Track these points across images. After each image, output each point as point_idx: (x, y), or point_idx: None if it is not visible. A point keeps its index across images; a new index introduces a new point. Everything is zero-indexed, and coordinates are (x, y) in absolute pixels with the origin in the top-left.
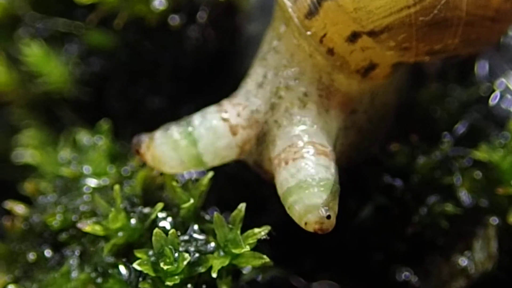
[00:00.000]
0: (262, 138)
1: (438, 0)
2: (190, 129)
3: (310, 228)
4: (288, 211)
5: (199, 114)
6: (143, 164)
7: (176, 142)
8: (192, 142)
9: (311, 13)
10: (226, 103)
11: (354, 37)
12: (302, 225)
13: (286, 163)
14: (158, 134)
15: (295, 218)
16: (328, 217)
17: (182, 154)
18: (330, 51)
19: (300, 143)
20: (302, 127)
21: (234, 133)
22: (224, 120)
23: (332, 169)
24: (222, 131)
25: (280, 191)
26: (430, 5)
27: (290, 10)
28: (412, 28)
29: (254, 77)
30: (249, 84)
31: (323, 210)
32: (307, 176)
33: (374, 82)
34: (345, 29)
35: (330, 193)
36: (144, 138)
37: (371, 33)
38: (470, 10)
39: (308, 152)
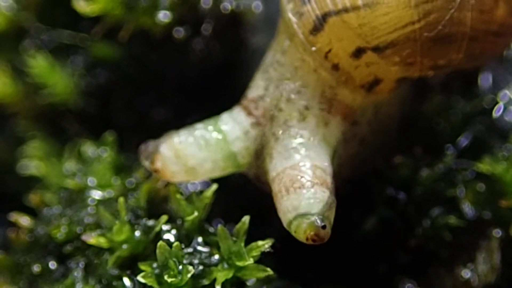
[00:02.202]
0: (260, 151)
1: (442, 15)
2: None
3: (302, 236)
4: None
5: (189, 134)
6: (148, 176)
7: (204, 144)
8: (224, 142)
9: (316, 29)
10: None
11: (359, 52)
12: (292, 231)
13: (287, 191)
14: (183, 136)
15: (286, 225)
16: (324, 227)
17: (214, 154)
18: (335, 67)
19: (300, 167)
20: (300, 140)
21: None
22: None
23: (328, 192)
24: (248, 127)
25: (282, 219)
26: (434, 20)
27: (295, 25)
28: (417, 43)
29: (255, 90)
30: (249, 97)
31: (318, 220)
32: (307, 209)
33: (379, 97)
34: (350, 44)
35: (326, 203)
36: (153, 146)
37: (376, 49)
38: (474, 25)
39: (308, 181)
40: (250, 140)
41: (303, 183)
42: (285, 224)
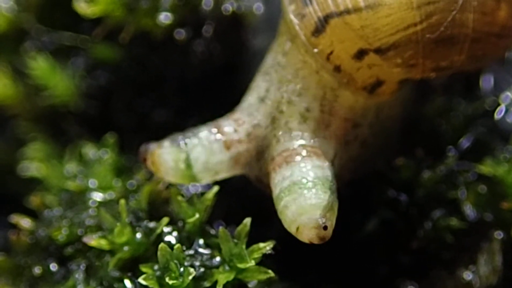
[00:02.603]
0: (261, 153)
1: (444, 17)
2: (184, 154)
3: (303, 235)
4: (280, 218)
5: (194, 136)
6: (149, 178)
7: (176, 162)
8: (188, 166)
9: (318, 31)
10: (222, 121)
11: (361, 54)
12: (293, 230)
13: (279, 166)
14: (166, 145)
15: (286, 224)
16: (325, 228)
17: (179, 173)
18: (337, 68)
19: (301, 168)
20: (301, 141)
21: (228, 147)
22: (217, 139)
23: (330, 174)
24: (216, 149)
25: (273, 196)
26: (436, 22)
27: (297, 27)
28: (419, 45)
29: (256, 91)
30: (251, 98)
31: (319, 220)
32: (302, 176)
33: (381, 99)
34: (352, 46)
35: (328, 199)
36: (154, 147)
37: (378, 51)
38: (476, 27)
39: (302, 154)
40: (246, 145)
41: (297, 157)
42: (274, 199)
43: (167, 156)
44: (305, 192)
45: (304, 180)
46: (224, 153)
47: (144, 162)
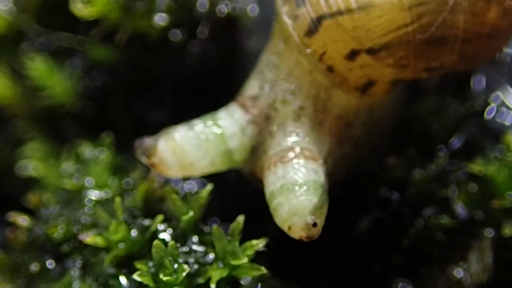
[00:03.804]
0: (256, 148)
1: (435, 18)
2: (216, 126)
3: (294, 233)
4: (272, 215)
5: (189, 129)
6: (145, 177)
7: (202, 139)
8: (221, 138)
9: (311, 31)
10: (218, 114)
11: (353, 54)
12: (285, 229)
13: (274, 165)
14: (181, 132)
15: (278, 221)
16: (315, 225)
17: (211, 150)
18: (330, 69)
19: (294, 164)
20: (295, 138)
21: (225, 141)
22: (214, 133)
23: (322, 174)
24: (212, 141)
25: (266, 194)
26: (427, 23)
27: (290, 28)
28: (410, 45)
29: (251, 89)
30: (245, 95)
31: (309, 217)
32: (294, 178)
33: (373, 98)
34: (344, 47)
35: (318, 201)
36: (150, 140)
37: (370, 51)
38: (467, 28)
39: (297, 155)
40: (247, 137)
41: (291, 157)
42: (267, 198)
43: (188, 146)
44: (297, 192)
45: (297, 179)
46: (222, 145)
47: (148, 158)
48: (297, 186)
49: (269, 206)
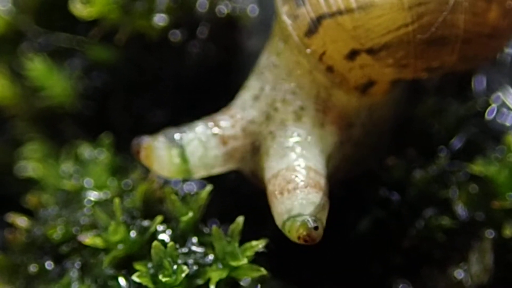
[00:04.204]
0: (257, 148)
1: (435, 18)
2: (179, 148)
3: (295, 235)
4: (273, 216)
5: (190, 130)
6: (144, 177)
7: (171, 156)
8: (184, 160)
9: (310, 31)
10: (218, 116)
11: (353, 54)
12: (285, 230)
13: (281, 193)
14: (161, 139)
15: (279, 223)
16: (316, 228)
17: (173, 168)
18: (330, 69)
19: (295, 167)
20: (296, 139)
21: (224, 142)
22: (214, 134)
23: (322, 173)
24: (212, 144)
25: (276, 219)
26: (427, 23)
27: (290, 28)
28: (410, 45)
29: (251, 89)
30: (245, 96)
31: (310, 220)
32: (299, 211)
33: (373, 99)
34: (344, 47)
35: (318, 205)
36: (146, 140)
37: (370, 51)
38: (467, 27)
39: (302, 184)
40: (242, 141)
41: (297, 184)
42: (278, 225)
43: (161, 151)
44: (297, 192)
45: (297, 180)
46: (220, 148)
47: (137, 155)
48: (297, 185)
49: (270, 208)
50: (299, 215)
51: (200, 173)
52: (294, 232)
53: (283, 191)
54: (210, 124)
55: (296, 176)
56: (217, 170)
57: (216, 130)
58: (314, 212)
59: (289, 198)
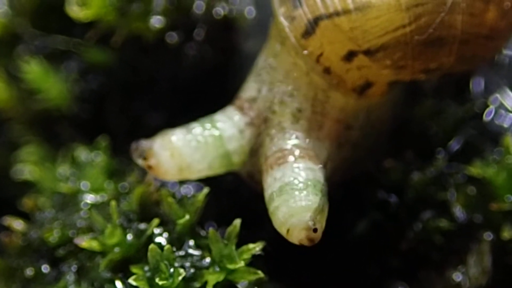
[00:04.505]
0: (255, 150)
1: (433, 19)
2: (214, 128)
3: (293, 237)
4: (271, 219)
5: (188, 131)
6: (141, 180)
7: (200, 141)
8: (219, 140)
9: (307, 33)
10: (217, 116)
11: (350, 56)
12: (284, 232)
13: (272, 168)
14: (179, 135)
15: (277, 225)
16: (315, 230)
17: (210, 152)
18: (327, 70)
19: (288, 148)
20: (294, 141)
21: (224, 143)
22: (212, 135)
23: (321, 178)
24: (211, 144)
25: (266, 197)
26: (425, 24)
27: (286, 29)
28: (408, 47)
29: (248, 91)
30: (243, 98)
31: (309, 222)
32: (292, 178)
33: (371, 100)
34: (341, 48)
35: (318, 205)
36: (147, 143)
37: (367, 52)
38: (465, 28)
39: (294, 155)
40: (245, 139)
41: (296, 185)
42: (266, 203)
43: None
44: (296, 194)
45: (296, 182)
46: (220, 148)
47: (144, 160)
48: (296, 191)
49: (268, 210)
50: (290, 183)
51: (201, 173)
52: (294, 235)
53: (273, 165)
54: (207, 125)
55: (295, 177)
56: (217, 171)
57: (214, 131)
58: (314, 214)
59: (279, 168)
